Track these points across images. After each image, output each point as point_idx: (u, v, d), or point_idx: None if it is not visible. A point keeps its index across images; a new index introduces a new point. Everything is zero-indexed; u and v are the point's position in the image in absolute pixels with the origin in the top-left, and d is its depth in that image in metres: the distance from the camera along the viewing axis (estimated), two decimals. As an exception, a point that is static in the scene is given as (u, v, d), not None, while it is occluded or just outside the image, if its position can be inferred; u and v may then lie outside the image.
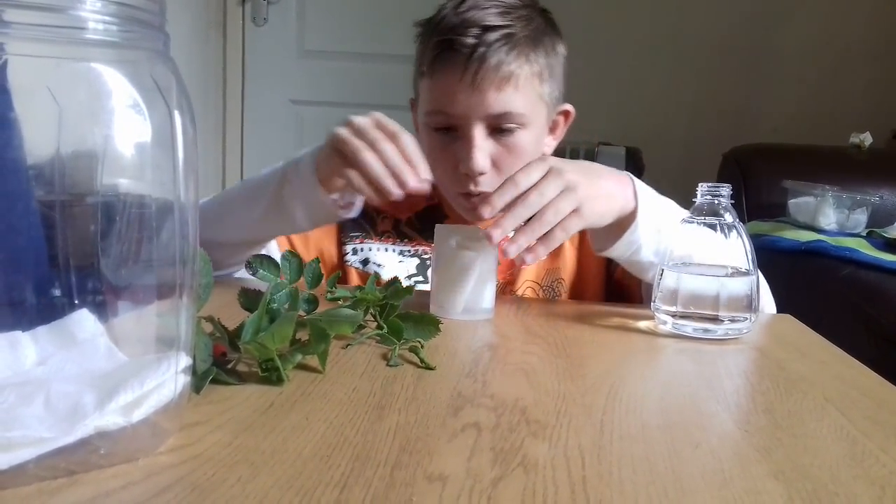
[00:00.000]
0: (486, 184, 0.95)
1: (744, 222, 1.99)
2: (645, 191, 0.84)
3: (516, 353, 0.67)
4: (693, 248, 0.78)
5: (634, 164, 2.64)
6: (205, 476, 0.40)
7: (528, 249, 0.76)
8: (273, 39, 3.02)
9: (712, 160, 2.42)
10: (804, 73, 2.86)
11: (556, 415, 0.52)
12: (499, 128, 0.94)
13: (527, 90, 0.95)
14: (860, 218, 2.03)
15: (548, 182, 0.76)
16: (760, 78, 2.88)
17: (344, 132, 0.80)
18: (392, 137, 0.79)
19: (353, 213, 0.88)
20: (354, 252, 1.04)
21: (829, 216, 2.02)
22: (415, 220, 1.07)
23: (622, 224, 0.82)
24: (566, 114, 1.08)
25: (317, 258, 0.73)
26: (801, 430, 0.52)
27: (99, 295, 0.44)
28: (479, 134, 0.93)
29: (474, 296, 0.78)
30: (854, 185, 2.08)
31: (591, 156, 2.65)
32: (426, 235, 1.05)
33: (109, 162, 0.41)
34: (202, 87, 2.93)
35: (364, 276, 1.01)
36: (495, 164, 0.95)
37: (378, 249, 1.04)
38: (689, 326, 0.75)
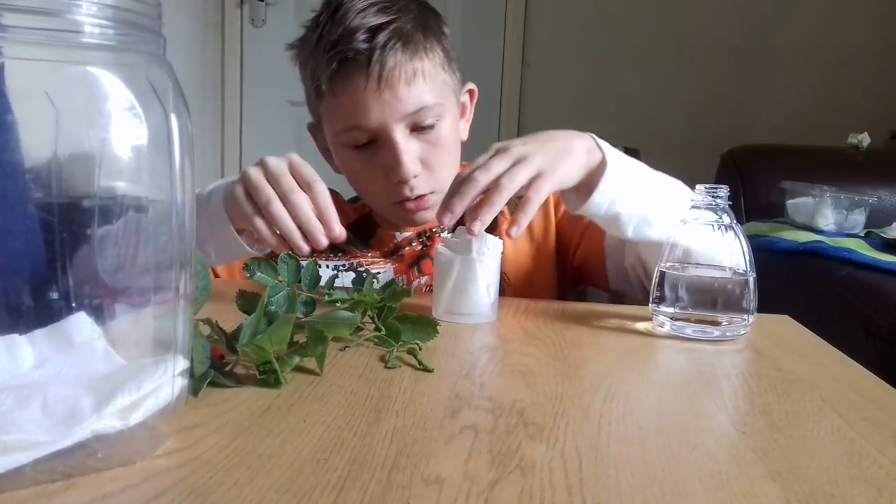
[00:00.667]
0: (420, 186, 0.94)
1: (742, 223, 1.97)
2: (609, 146, 0.82)
3: (514, 354, 0.68)
4: (667, 200, 0.79)
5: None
6: (202, 479, 0.40)
7: (471, 216, 0.74)
8: (271, 41, 3.02)
9: (711, 161, 2.42)
10: (802, 74, 2.86)
11: (553, 417, 0.52)
12: (418, 126, 0.92)
13: (434, 81, 0.93)
14: (858, 218, 2.04)
15: (496, 160, 0.74)
16: (759, 79, 2.89)
17: (256, 176, 0.75)
18: (306, 187, 0.75)
19: (265, 249, 0.83)
20: None
21: (828, 217, 2.02)
22: (347, 232, 1.06)
23: (593, 176, 0.79)
24: (471, 93, 1.05)
25: (314, 259, 0.73)
26: (798, 432, 0.52)
27: (96, 298, 0.44)
28: (401, 137, 0.91)
29: (476, 300, 0.77)
30: (852, 186, 2.08)
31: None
32: (359, 247, 1.04)
33: (106, 165, 0.41)
34: (200, 88, 2.93)
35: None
36: (423, 162, 0.93)
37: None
38: (687, 328, 0.75)
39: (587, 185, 0.80)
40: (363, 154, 0.93)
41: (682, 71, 2.91)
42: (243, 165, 3.06)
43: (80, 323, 0.45)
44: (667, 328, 0.77)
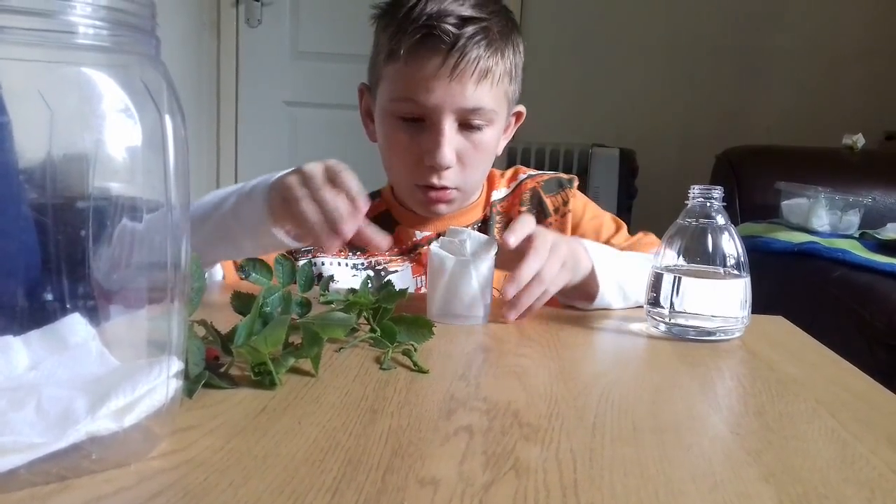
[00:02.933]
0: (448, 178, 0.95)
1: (737, 224, 1.98)
2: (597, 250, 0.85)
3: (509, 355, 0.68)
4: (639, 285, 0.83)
5: (628, 166, 2.66)
6: (196, 481, 0.40)
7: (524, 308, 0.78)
8: (267, 41, 3.02)
9: (705, 161, 2.43)
10: (797, 74, 2.87)
11: (548, 418, 0.52)
12: (468, 123, 0.94)
13: (498, 87, 0.95)
14: (853, 219, 2.04)
15: (539, 246, 0.78)
16: (753, 79, 2.89)
17: (292, 179, 0.77)
18: (335, 182, 0.76)
19: (301, 241, 0.84)
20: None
21: (822, 218, 2.03)
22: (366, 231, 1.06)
23: (585, 289, 0.84)
24: (518, 115, 1.08)
25: (310, 260, 0.73)
26: (791, 433, 0.52)
27: (90, 299, 0.44)
28: (449, 127, 0.93)
29: (473, 302, 0.77)
30: (847, 187, 2.09)
31: (585, 157, 2.66)
32: None
33: (100, 166, 0.41)
34: (196, 88, 2.93)
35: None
36: (459, 159, 0.95)
37: (331, 263, 1.02)
38: (682, 328, 0.75)
39: (581, 290, 0.84)
40: (408, 128, 0.95)
41: (677, 72, 2.92)
42: (239, 165, 3.07)
43: (75, 324, 0.45)
44: (661, 329, 0.77)
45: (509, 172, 1.13)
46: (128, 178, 0.43)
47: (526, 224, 0.79)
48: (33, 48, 0.38)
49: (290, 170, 0.80)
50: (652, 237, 1.06)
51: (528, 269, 0.76)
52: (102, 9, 0.38)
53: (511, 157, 2.62)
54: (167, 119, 0.41)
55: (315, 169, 0.77)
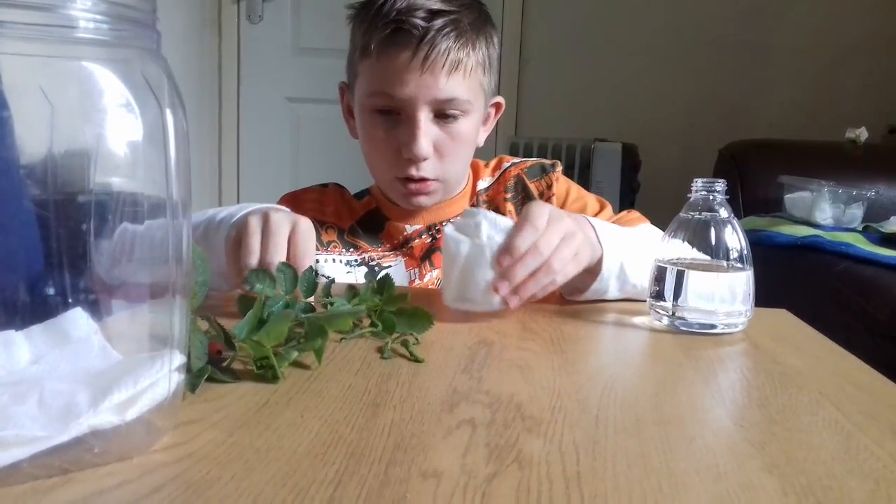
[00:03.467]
0: (426, 169, 0.97)
1: (740, 217, 1.97)
2: (605, 230, 0.84)
3: (512, 348, 0.68)
4: (644, 271, 0.81)
5: (630, 160, 2.65)
6: (199, 474, 0.40)
7: (521, 290, 0.75)
8: (268, 37, 3.02)
9: (708, 156, 2.42)
10: (800, 68, 2.86)
11: (551, 410, 0.52)
12: (443, 114, 0.95)
13: (472, 78, 0.96)
14: (856, 213, 2.04)
15: (551, 234, 0.75)
16: (756, 73, 2.88)
17: (253, 221, 0.75)
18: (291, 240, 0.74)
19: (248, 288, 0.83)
20: None
21: (826, 211, 2.02)
22: (357, 227, 1.07)
23: (591, 271, 0.82)
24: (497, 106, 1.09)
25: (311, 267, 0.72)
26: (795, 425, 0.52)
27: (92, 293, 0.44)
28: (425, 118, 0.94)
29: (476, 288, 0.75)
30: (850, 180, 2.08)
31: (587, 152, 2.65)
32: (370, 241, 1.05)
33: (101, 160, 0.41)
34: (197, 84, 2.93)
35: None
36: (437, 150, 0.96)
37: (326, 261, 1.02)
38: (685, 322, 0.75)
39: (584, 275, 0.82)
40: (385, 121, 0.97)
41: (679, 66, 2.91)
42: (241, 162, 3.07)
43: (77, 318, 0.45)
44: (664, 322, 0.77)
45: (493, 162, 1.14)
46: (129, 173, 0.43)
47: (524, 238, 0.74)
48: (34, 43, 0.38)
49: (259, 208, 0.80)
50: (636, 213, 1.06)
51: (522, 268, 0.73)
52: (103, 3, 0.38)
53: (513, 153, 2.62)
54: (168, 113, 0.41)
55: (280, 219, 0.75)
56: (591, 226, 0.83)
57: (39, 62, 0.39)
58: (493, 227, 0.75)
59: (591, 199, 1.10)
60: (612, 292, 0.85)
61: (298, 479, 0.40)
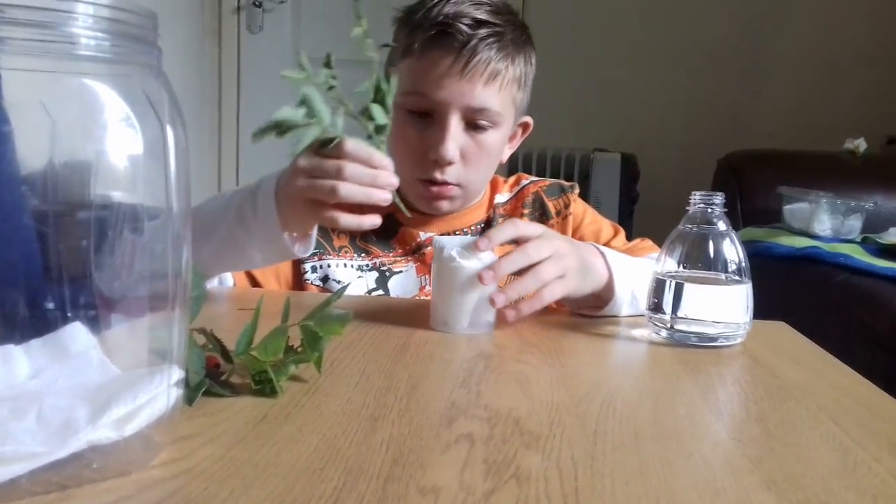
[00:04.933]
0: (450, 174, 0.98)
1: (738, 228, 1.97)
2: (616, 259, 0.86)
3: (511, 362, 0.68)
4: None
5: (629, 171, 2.66)
6: (197, 490, 0.40)
7: (513, 307, 0.77)
8: (269, 47, 3.03)
9: (707, 166, 2.43)
10: (799, 79, 2.87)
11: (549, 425, 0.52)
12: (474, 122, 0.96)
13: (506, 92, 0.98)
14: (855, 224, 2.04)
15: (541, 243, 0.78)
16: (755, 84, 2.89)
17: (302, 183, 0.77)
18: (348, 157, 0.76)
19: (310, 249, 0.86)
20: (314, 270, 1.03)
21: (824, 222, 2.02)
22: (370, 232, 1.06)
23: (599, 297, 0.84)
24: (525, 126, 1.11)
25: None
26: (793, 440, 0.52)
27: (92, 308, 0.44)
28: (455, 123, 0.95)
29: (478, 309, 0.76)
30: (849, 191, 2.09)
31: (586, 161, 2.66)
32: (382, 246, 1.06)
33: (102, 176, 0.41)
34: (198, 95, 2.94)
35: (322, 290, 1.01)
36: (463, 156, 0.97)
37: (337, 265, 1.03)
38: (683, 335, 0.75)
39: (592, 299, 0.85)
40: (416, 122, 0.98)
41: (678, 76, 2.92)
42: (241, 172, 3.07)
43: (76, 333, 0.45)
44: (663, 335, 0.77)
45: (512, 179, 1.16)
46: (129, 188, 0.43)
47: (506, 229, 0.78)
48: (35, 59, 0.38)
49: (280, 174, 0.81)
50: (649, 242, 1.07)
51: (508, 262, 0.76)
52: (104, 20, 0.39)
53: (512, 163, 2.62)
54: (168, 129, 0.42)
55: (314, 161, 0.77)
56: (601, 253, 0.85)
57: (41, 78, 0.39)
58: (465, 250, 0.76)
59: (606, 225, 1.12)
60: (624, 312, 0.86)
61: (296, 496, 0.40)
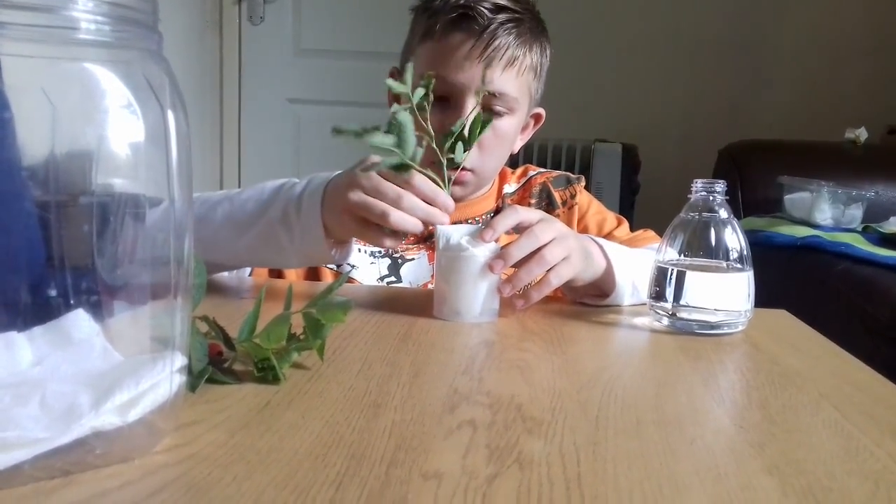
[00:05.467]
0: (466, 159, 0.97)
1: (739, 218, 1.97)
2: (614, 249, 0.86)
3: (513, 349, 0.68)
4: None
5: (630, 161, 2.65)
6: (200, 475, 0.40)
7: (522, 295, 0.78)
8: (270, 38, 3.02)
9: (708, 156, 2.42)
10: (800, 68, 2.86)
11: (551, 411, 0.52)
12: (489, 107, 0.97)
13: (523, 78, 0.98)
14: (856, 213, 2.04)
15: (545, 226, 0.78)
16: (756, 74, 2.88)
17: (355, 198, 0.77)
18: (406, 185, 0.78)
19: (347, 257, 0.87)
20: None
21: (825, 211, 2.02)
22: None
23: (600, 287, 0.84)
24: (538, 117, 1.11)
25: None
26: (795, 426, 0.52)
27: (94, 295, 0.44)
28: (471, 106, 0.95)
29: (487, 298, 0.77)
30: (849, 181, 2.08)
31: (587, 152, 2.65)
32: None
33: (103, 162, 0.41)
34: (199, 86, 2.93)
35: (338, 275, 1.02)
36: (478, 142, 0.96)
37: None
38: (685, 322, 0.75)
39: (592, 289, 0.85)
40: (433, 106, 0.97)
41: (679, 66, 2.91)
42: (242, 163, 3.07)
43: (79, 320, 0.45)
44: (665, 323, 0.77)
45: (519, 170, 1.17)
46: (131, 174, 0.43)
47: (508, 216, 0.78)
48: (35, 44, 0.38)
49: (337, 178, 0.81)
50: (651, 233, 1.08)
51: (516, 248, 0.76)
52: (104, 4, 0.38)
53: (513, 154, 2.62)
54: (169, 114, 0.42)
55: (376, 182, 0.77)
56: (597, 244, 0.85)
57: (41, 63, 0.39)
58: (473, 238, 0.76)
59: (610, 216, 1.13)
60: (626, 302, 0.86)
61: (299, 481, 0.40)
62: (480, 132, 0.80)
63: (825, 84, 2.85)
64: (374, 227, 0.78)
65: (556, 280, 0.78)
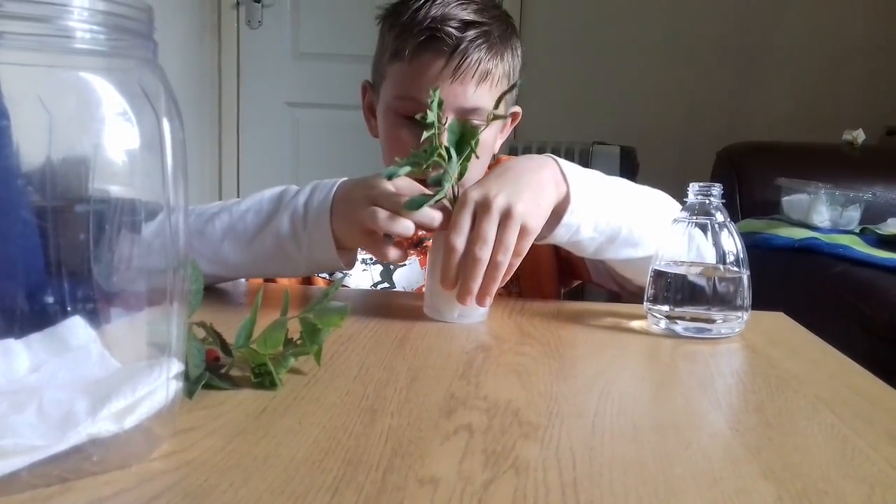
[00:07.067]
0: None
1: (737, 220, 1.97)
2: (573, 170, 0.82)
3: (509, 354, 0.68)
4: (633, 218, 0.82)
5: (629, 164, 2.65)
6: (197, 482, 0.40)
7: (481, 293, 0.75)
8: (268, 42, 3.02)
9: (706, 158, 2.42)
10: (797, 71, 2.87)
11: (548, 416, 0.52)
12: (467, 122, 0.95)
13: (497, 89, 0.98)
14: (853, 215, 2.04)
15: (486, 223, 0.74)
16: (754, 76, 2.89)
17: (369, 216, 0.77)
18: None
19: (353, 264, 0.87)
20: None
21: (823, 213, 2.02)
22: None
23: (558, 210, 0.80)
24: (514, 115, 1.11)
25: None
26: (791, 429, 0.52)
27: (91, 302, 0.44)
28: (449, 125, 0.94)
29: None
30: (847, 183, 2.08)
31: (586, 155, 2.65)
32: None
33: (99, 169, 0.41)
34: (197, 90, 2.93)
35: (330, 283, 1.02)
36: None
37: None
38: (682, 326, 0.75)
39: (552, 216, 0.80)
40: (410, 125, 0.98)
41: (677, 69, 2.92)
42: (241, 167, 3.07)
43: (76, 327, 0.45)
44: (661, 326, 0.77)
45: (493, 163, 1.13)
46: (127, 182, 0.43)
47: (460, 224, 0.75)
48: (32, 53, 0.38)
49: (336, 187, 0.82)
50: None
51: (448, 243, 0.74)
52: (100, 14, 0.39)
53: (512, 155, 2.62)
54: (165, 122, 0.42)
55: (394, 199, 0.78)
56: (554, 162, 0.81)
57: (38, 72, 0.39)
58: None
59: None
60: (586, 232, 0.82)
61: (296, 487, 0.40)
62: (475, 142, 0.79)
63: (822, 86, 2.85)
64: (384, 241, 0.79)
65: (517, 260, 0.76)
